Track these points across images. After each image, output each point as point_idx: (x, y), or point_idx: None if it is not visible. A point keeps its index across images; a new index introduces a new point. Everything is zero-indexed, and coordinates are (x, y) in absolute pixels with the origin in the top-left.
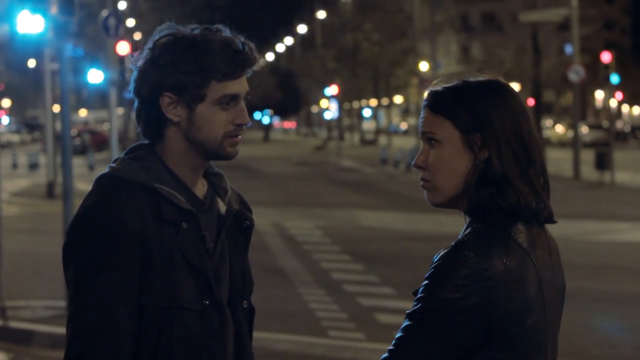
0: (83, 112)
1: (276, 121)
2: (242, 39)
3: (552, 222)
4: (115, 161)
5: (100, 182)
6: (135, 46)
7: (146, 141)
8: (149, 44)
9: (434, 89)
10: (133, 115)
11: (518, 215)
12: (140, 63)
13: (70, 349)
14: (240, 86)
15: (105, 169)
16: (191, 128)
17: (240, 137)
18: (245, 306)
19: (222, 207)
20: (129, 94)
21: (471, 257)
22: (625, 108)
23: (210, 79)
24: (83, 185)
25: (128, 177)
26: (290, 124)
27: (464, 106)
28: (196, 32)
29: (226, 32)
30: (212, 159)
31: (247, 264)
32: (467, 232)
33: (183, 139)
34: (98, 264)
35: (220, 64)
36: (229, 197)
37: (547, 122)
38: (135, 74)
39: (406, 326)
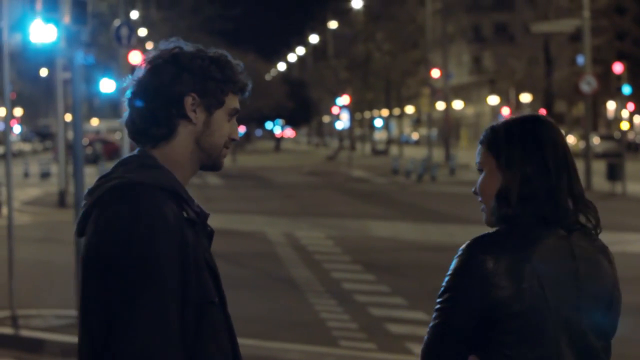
0: (95, 121)
1: (280, 131)
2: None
3: (571, 229)
4: (115, 172)
5: (121, 189)
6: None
7: (134, 153)
8: (171, 48)
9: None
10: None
11: (515, 222)
12: (159, 62)
13: (127, 351)
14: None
15: (113, 181)
16: (206, 131)
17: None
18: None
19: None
20: (141, 94)
21: (470, 252)
22: (637, 119)
23: (229, 90)
24: None
25: (150, 182)
26: (291, 133)
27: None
28: (212, 52)
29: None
30: (207, 167)
31: None
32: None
33: (193, 141)
34: (148, 265)
35: (238, 79)
36: (196, 204)
37: None
38: (152, 75)
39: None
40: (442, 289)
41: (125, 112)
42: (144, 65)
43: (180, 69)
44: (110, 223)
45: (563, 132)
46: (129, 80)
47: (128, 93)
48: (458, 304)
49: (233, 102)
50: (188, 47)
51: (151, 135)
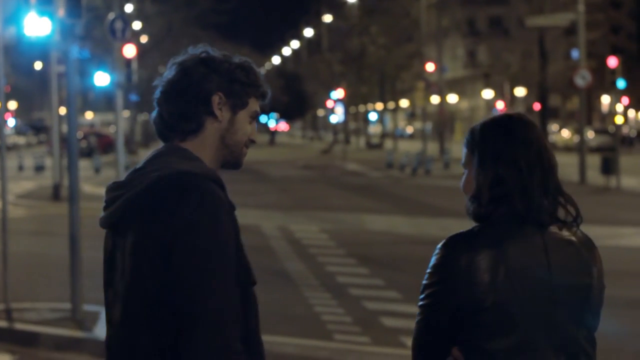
0: (89, 115)
1: (274, 124)
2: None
3: (541, 224)
4: (155, 164)
5: (176, 178)
6: (142, 49)
7: (164, 147)
8: (199, 52)
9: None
10: (140, 117)
11: (485, 220)
12: (189, 64)
13: (204, 314)
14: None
15: (159, 172)
16: (230, 129)
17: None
18: None
19: None
20: (171, 93)
21: (445, 250)
22: (631, 113)
23: (252, 93)
24: (89, 188)
25: (199, 172)
26: (285, 127)
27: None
28: (237, 58)
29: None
30: (229, 164)
31: None
32: None
33: (218, 138)
34: (215, 247)
35: (261, 84)
36: None
37: (553, 126)
38: (182, 75)
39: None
40: (422, 286)
41: (154, 111)
42: (173, 67)
43: (209, 70)
44: (174, 208)
45: (557, 126)
46: (158, 81)
47: (157, 92)
48: (436, 300)
49: (255, 105)
50: (215, 52)
51: (180, 130)
